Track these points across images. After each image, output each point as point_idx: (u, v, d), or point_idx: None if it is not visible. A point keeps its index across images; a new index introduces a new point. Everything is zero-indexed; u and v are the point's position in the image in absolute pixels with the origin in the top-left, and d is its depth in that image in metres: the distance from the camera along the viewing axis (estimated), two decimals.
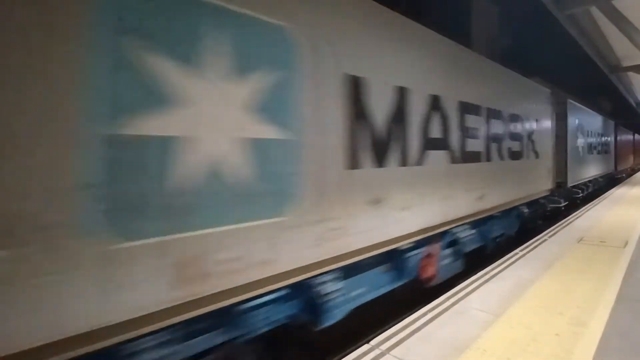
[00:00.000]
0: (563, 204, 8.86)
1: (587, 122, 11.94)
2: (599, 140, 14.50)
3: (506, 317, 2.99)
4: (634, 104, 24.03)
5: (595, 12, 9.86)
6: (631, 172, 25.42)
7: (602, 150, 15.35)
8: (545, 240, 5.67)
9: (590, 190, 12.65)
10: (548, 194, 8.14)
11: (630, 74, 15.62)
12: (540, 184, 7.58)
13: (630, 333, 2.69)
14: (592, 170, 12.75)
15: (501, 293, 3.51)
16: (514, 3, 14.04)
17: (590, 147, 12.61)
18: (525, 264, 4.43)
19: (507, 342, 2.58)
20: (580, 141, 10.99)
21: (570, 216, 7.90)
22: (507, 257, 4.74)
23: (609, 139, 17.22)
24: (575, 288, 3.58)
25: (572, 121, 9.85)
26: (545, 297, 3.38)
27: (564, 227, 6.71)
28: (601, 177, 15.03)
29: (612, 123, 18.64)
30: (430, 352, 2.49)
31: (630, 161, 26.65)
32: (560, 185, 8.86)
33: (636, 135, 30.40)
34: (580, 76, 18.77)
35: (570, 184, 9.46)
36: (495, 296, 3.44)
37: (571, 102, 9.89)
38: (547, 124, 8.07)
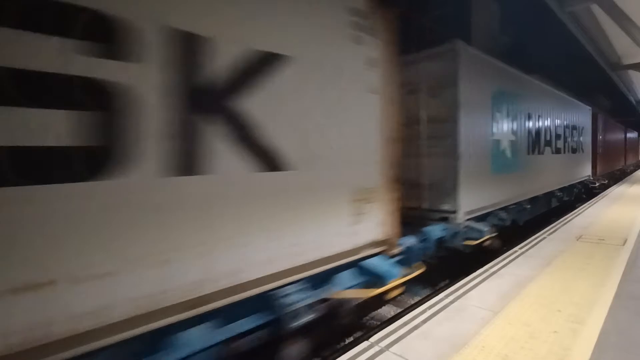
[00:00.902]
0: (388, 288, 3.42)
1: (529, 102, 7.24)
2: (561, 132, 9.56)
3: (505, 314, 3.00)
4: (634, 102, 24.01)
5: (596, 9, 9.84)
6: (621, 176, 19.98)
7: (569, 148, 10.36)
8: (545, 238, 5.68)
9: (529, 215, 7.54)
10: (369, 254, 3.37)
11: (631, 71, 15.61)
12: (313, 239, 2.86)
13: (629, 330, 2.70)
14: (540, 181, 7.93)
15: (500, 290, 3.53)
16: (515, 0, 14.02)
17: (538, 143, 7.84)
18: (524, 262, 4.44)
19: (505, 339, 2.60)
20: (509, 132, 6.42)
21: (570, 214, 7.91)
22: (506, 255, 4.76)
23: (582, 132, 12.05)
24: (574, 286, 3.60)
25: (478, 92, 5.33)
26: (543, 295, 3.39)
27: (564, 224, 6.73)
28: (562, 189, 9.86)
29: (587, 110, 12.93)
30: (430, 348, 2.50)
31: (619, 162, 20.77)
32: (445, 219, 4.92)
33: (630, 133, 25.95)
34: (580, 74, 18.75)
35: (468, 215, 5.08)
36: (494, 293, 3.45)
37: (470, 50, 5.15)
38: (351, 80, 3.20)
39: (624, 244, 5.14)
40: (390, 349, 2.51)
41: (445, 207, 4.99)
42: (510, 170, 6.50)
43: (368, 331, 4.25)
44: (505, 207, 6.32)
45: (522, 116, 7.03)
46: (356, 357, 2.43)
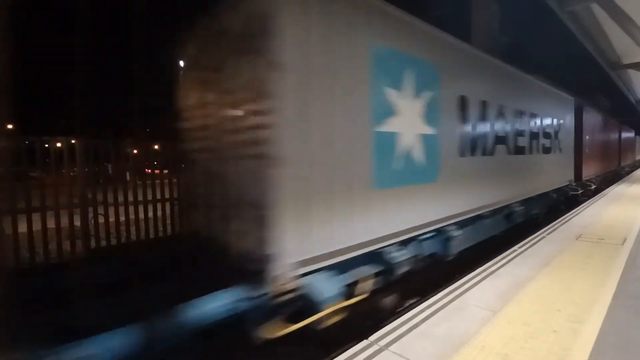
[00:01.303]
0: None
1: (463, 79, 5.18)
2: (525, 127, 7.47)
3: (504, 313, 3.00)
4: (633, 101, 24.03)
5: (596, 8, 9.84)
6: (614, 178, 18.06)
7: (539, 147, 8.28)
8: (544, 237, 5.68)
9: (467, 242, 5.34)
10: None
11: (630, 71, 15.62)
12: None
13: (628, 330, 2.70)
14: (486, 193, 5.81)
15: (500, 290, 3.52)
16: (515, 0, 14.01)
17: (483, 140, 5.79)
18: (524, 261, 4.44)
19: (505, 339, 2.59)
20: (418, 122, 4.24)
21: (569, 213, 7.91)
22: (505, 255, 4.75)
23: (561, 128, 9.79)
24: (574, 285, 3.60)
25: (337, 49, 3.25)
26: (543, 294, 3.39)
27: (563, 224, 6.73)
28: (527, 201, 7.59)
29: (569, 102, 10.65)
30: (429, 348, 2.49)
31: (611, 163, 18.29)
32: (259, 273, 2.73)
33: (627, 132, 23.94)
34: (580, 73, 18.77)
35: (304, 265, 2.89)
36: (494, 293, 3.45)
37: None
38: None
39: (623, 244, 5.14)
40: (389, 348, 2.50)
41: (261, 250, 2.78)
42: (419, 181, 4.27)
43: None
44: (410, 239, 4.17)
45: (448, 99, 4.82)
46: (355, 356, 2.42)
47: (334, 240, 3.18)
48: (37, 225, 3.99)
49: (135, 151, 5.30)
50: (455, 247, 4.94)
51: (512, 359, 2.33)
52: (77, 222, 4.25)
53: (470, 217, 5.35)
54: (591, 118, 13.03)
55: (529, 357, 2.36)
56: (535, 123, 8.06)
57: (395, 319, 2.97)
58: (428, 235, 4.52)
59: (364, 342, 2.59)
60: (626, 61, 14.35)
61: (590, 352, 2.39)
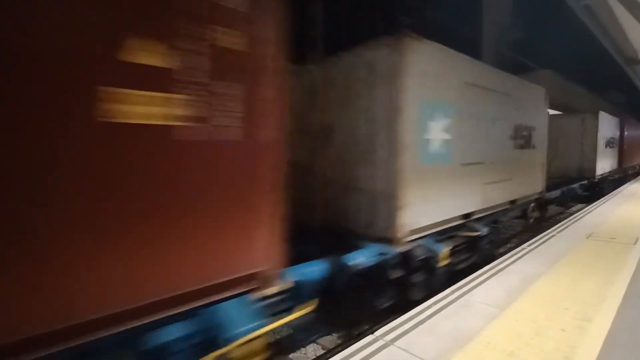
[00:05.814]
0: None
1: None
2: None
3: (511, 310, 2.99)
4: None
5: (613, 2, 9.59)
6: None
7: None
8: (554, 235, 5.61)
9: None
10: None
11: None
12: None
13: (638, 329, 2.67)
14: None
15: (507, 287, 3.51)
16: None
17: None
18: (532, 259, 4.40)
19: (511, 336, 2.59)
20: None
21: (579, 212, 7.80)
22: (514, 252, 4.72)
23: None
24: (583, 284, 3.56)
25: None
26: (551, 292, 3.37)
27: (573, 222, 6.63)
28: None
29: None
30: (435, 343, 2.51)
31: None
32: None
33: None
34: (594, 68, 18.33)
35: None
36: (501, 290, 3.44)
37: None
38: None
39: (635, 244, 5.06)
40: (395, 343, 2.53)
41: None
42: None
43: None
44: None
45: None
46: (360, 351, 2.45)
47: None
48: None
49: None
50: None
51: (517, 356, 2.34)
52: None
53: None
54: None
55: (535, 354, 2.36)
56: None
57: (401, 315, 2.99)
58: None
59: (370, 337, 2.62)
60: None
61: (599, 351, 2.38)
